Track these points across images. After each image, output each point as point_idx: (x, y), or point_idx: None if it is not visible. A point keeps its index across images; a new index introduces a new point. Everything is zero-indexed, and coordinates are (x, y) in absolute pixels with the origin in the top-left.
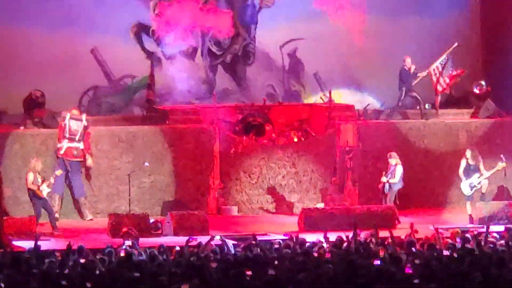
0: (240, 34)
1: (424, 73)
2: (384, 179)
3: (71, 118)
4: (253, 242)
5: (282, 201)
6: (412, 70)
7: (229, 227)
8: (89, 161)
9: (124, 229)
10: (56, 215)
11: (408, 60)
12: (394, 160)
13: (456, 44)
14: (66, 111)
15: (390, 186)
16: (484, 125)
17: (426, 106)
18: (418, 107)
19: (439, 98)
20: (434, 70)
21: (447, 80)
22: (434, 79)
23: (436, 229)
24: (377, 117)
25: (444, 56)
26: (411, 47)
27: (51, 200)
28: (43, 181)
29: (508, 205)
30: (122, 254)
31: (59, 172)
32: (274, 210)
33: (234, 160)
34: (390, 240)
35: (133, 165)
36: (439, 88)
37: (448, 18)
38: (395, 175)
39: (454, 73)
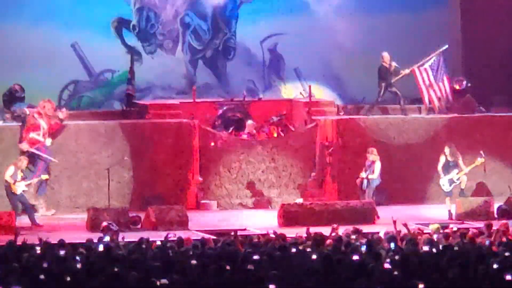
0: (221, 28)
1: (407, 71)
2: (363, 174)
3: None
4: (232, 237)
5: (261, 196)
6: (393, 67)
7: (208, 222)
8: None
9: (104, 224)
10: (48, 212)
11: (386, 56)
12: (373, 156)
13: (446, 46)
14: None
15: (368, 182)
16: (463, 121)
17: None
18: (398, 103)
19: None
20: (420, 70)
21: (443, 89)
22: (420, 79)
23: (405, 224)
24: (357, 112)
25: (433, 58)
26: (392, 43)
27: (38, 203)
28: (23, 179)
29: (488, 201)
30: (101, 248)
31: (45, 176)
32: (253, 205)
33: (214, 155)
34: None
35: (112, 160)
36: (432, 98)
37: (429, 14)
38: (374, 171)
39: (457, 87)
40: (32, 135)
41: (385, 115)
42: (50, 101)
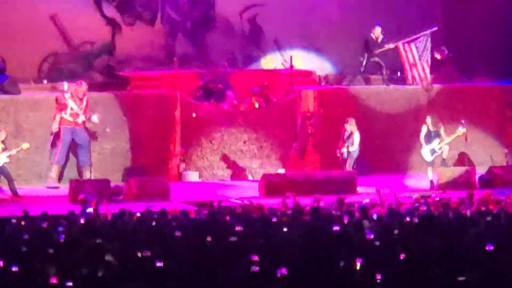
0: None
1: (392, 45)
2: (344, 149)
3: None
4: (214, 208)
5: (243, 167)
6: (379, 40)
7: (190, 193)
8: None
9: (81, 196)
10: (56, 184)
11: (378, 29)
12: (352, 127)
13: (435, 28)
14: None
15: (349, 152)
16: (445, 90)
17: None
18: (380, 73)
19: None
20: (405, 47)
21: (426, 70)
22: (404, 56)
23: (378, 191)
24: (339, 82)
25: (421, 38)
26: (374, 14)
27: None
28: (3, 150)
29: (469, 171)
30: (82, 220)
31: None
32: (235, 176)
33: (195, 126)
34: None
35: (94, 131)
36: (415, 76)
37: None
38: (353, 143)
39: (438, 56)
40: (60, 115)
41: (367, 85)
42: (81, 84)
